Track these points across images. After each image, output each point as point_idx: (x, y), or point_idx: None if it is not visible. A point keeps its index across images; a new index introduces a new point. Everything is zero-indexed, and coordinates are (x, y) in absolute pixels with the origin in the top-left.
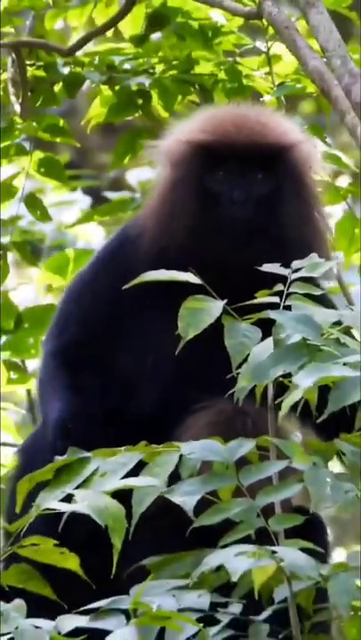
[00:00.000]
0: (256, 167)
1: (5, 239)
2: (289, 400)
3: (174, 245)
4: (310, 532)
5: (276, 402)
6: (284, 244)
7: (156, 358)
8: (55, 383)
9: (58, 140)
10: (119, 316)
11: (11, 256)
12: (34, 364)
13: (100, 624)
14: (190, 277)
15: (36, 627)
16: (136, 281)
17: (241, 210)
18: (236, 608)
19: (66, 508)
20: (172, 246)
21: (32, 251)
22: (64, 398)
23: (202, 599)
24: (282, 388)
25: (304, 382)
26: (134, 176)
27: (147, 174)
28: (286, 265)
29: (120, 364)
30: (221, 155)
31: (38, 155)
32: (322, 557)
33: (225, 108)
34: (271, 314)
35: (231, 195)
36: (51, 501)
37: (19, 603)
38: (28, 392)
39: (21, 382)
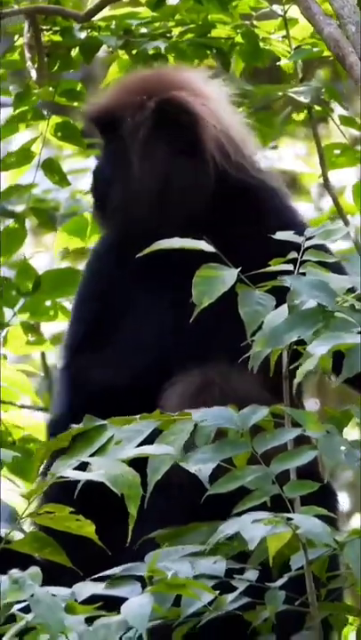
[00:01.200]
0: (112, 136)
1: (22, 207)
2: (303, 368)
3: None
4: (323, 499)
5: (290, 368)
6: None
7: (156, 332)
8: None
9: (75, 104)
10: (118, 298)
11: (28, 224)
12: (51, 326)
13: (115, 591)
14: (203, 245)
15: (52, 594)
16: (148, 250)
17: (99, 185)
18: (251, 575)
19: (81, 476)
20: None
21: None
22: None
23: (218, 565)
24: (297, 355)
25: (318, 350)
26: None
27: None
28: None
29: (120, 343)
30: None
31: (56, 119)
32: (335, 525)
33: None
34: (286, 280)
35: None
36: (66, 469)
37: (34, 570)
38: (43, 355)
39: (38, 345)
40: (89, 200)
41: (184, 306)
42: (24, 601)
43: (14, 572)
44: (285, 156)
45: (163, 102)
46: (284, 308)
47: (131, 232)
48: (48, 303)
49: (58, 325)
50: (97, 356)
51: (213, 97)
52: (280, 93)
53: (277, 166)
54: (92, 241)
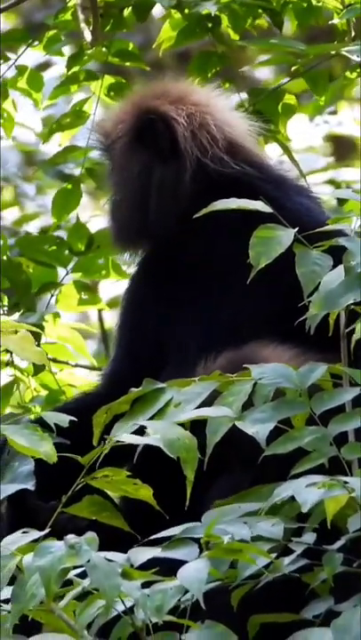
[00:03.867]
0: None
1: (79, 170)
2: None
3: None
4: None
5: (347, 330)
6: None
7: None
8: None
9: (127, 64)
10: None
11: (84, 188)
12: (105, 285)
13: (172, 554)
14: (260, 205)
15: (109, 560)
16: (205, 210)
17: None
18: (309, 537)
19: (138, 440)
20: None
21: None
22: None
23: (275, 528)
24: (354, 315)
25: None
26: None
27: None
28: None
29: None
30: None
31: (109, 80)
32: None
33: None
34: (342, 241)
35: None
36: (124, 434)
37: (91, 535)
38: (100, 316)
39: (92, 303)
40: None
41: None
42: (81, 566)
43: (71, 537)
44: (345, 121)
45: (139, 112)
46: (341, 269)
47: (123, 239)
48: (101, 262)
49: (115, 286)
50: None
51: (194, 101)
52: (333, 52)
53: (337, 131)
54: None
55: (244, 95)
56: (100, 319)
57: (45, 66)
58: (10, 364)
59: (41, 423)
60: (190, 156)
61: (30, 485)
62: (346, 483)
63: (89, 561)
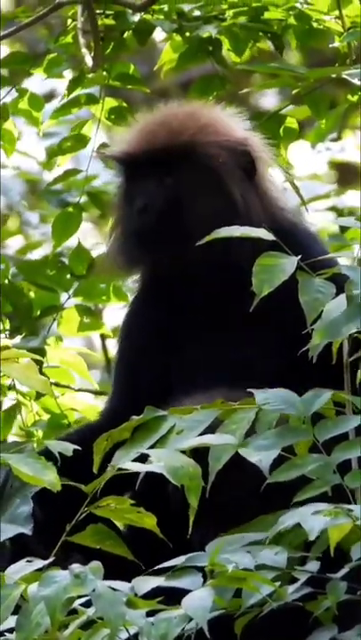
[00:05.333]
0: (160, 172)
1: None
2: None
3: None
4: None
5: (351, 358)
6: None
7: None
8: None
9: (129, 86)
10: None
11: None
12: (109, 311)
13: (176, 583)
14: (263, 233)
15: (113, 589)
16: (209, 238)
17: (143, 219)
18: (313, 566)
19: (141, 468)
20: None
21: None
22: None
23: (279, 557)
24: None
25: None
26: None
27: None
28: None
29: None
30: (131, 165)
31: (110, 103)
32: None
33: (152, 114)
34: (344, 270)
35: (134, 205)
36: (126, 461)
37: (96, 564)
38: (103, 342)
39: (94, 328)
40: None
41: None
42: (85, 595)
43: (76, 566)
44: (348, 147)
45: (237, 144)
46: (343, 297)
47: (176, 269)
48: (103, 286)
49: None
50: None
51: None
52: (334, 75)
53: (339, 157)
54: None
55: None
56: (104, 347)
57: (49, 97)
58: (12, 388)
59: (46, 454)
60: (265, 201)
61: (28, 530)
62: (350, 511)
63: (94, 590)
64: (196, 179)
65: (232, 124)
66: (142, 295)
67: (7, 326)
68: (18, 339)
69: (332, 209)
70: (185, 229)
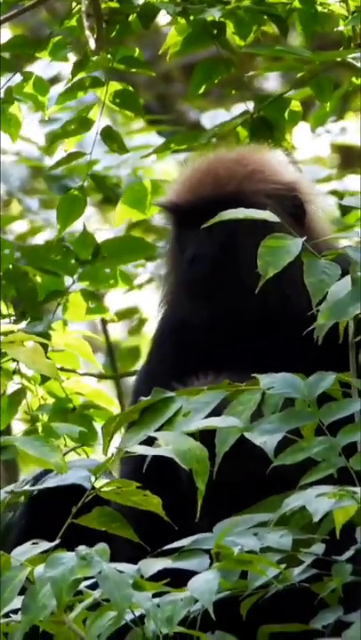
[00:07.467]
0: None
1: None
2: None
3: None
4: None
5: (356, 339)
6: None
7: None
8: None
9: (133, 70)
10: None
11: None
12: (112, 296)
13: (182, 564)
14: (269, 215)
15: (120, 571)
16: (211, 222)
17: (194, 269)
18: (318, 548)
19: (150, 451)
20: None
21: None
22: None
23: (284, 539)
24: None
25: None
26: (209, 117)
27: (223, 116)
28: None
29: None
30: (181, 215)
31: (114, 86)
32: None
33: (199, 161)
34: (348, 251)
35: (183, 255)
36: (134, 444)
37: (102, 546)
38: (104, 327)
39: (99, 312)
40: (150, 175)
41: None
42: (91, 577)
43: (82, 548)
44: (349, 130)
45: (285, 189)
46: (348, 279)
47: (232, 318)
48: (108, 271)
49: (124, 298)
50: None
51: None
52: (339, 59)
53: (340, 140)
54: (152, 212)
55: (250, 103)
56: (105, 330)
57: (54, 80)
58: (17, 372)
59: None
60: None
61: None
62: (355, 493)
63: (100, 572)
64: (244, 228)
65: (279, 167)
66: (168, 338)
67: (12, 311)
68: (23, 324)
69: (334, 192)
70: (237, 278)
